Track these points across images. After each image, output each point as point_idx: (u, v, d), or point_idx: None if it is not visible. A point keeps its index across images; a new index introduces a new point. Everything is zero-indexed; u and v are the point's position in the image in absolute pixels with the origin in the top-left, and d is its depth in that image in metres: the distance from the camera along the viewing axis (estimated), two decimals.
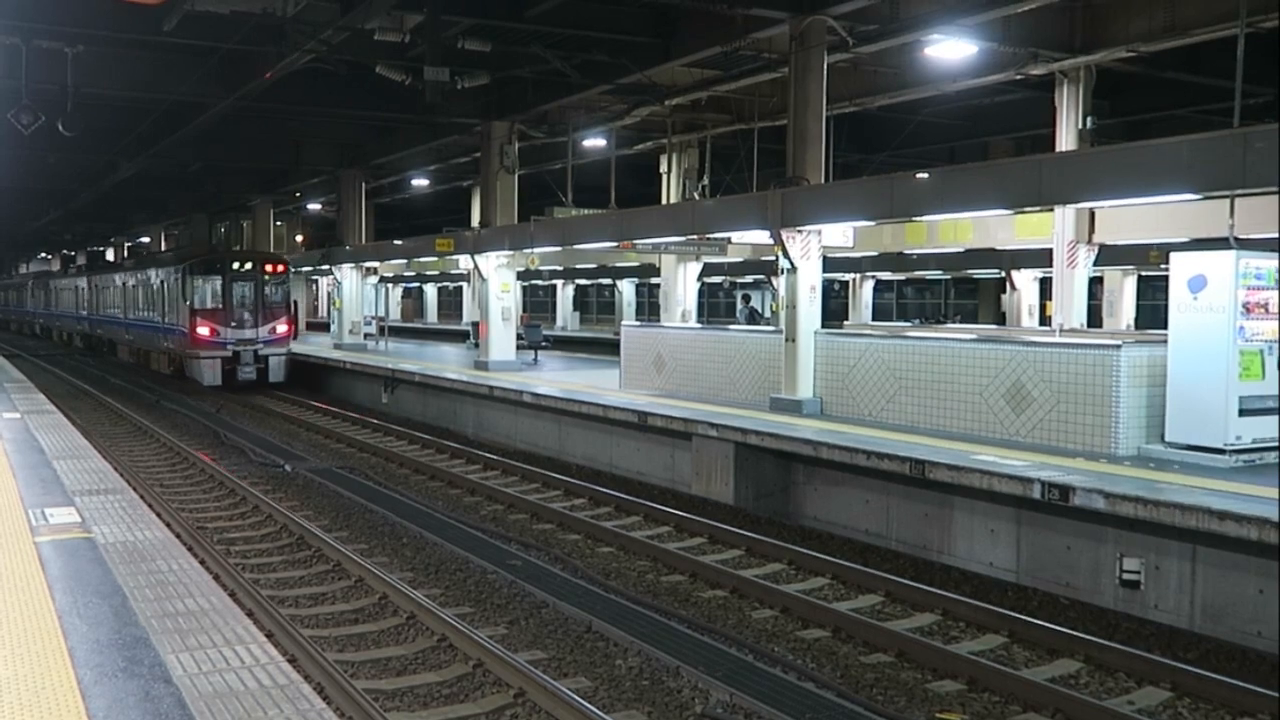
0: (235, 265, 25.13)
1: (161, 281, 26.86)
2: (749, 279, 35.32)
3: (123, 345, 32.18)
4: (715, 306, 45.39)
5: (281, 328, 25.12)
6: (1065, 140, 15.10)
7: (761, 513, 11.78)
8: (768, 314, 28.90)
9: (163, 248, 41.98)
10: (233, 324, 24.48)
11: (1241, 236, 10.19)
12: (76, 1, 14.65)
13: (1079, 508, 8.42)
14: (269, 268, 25.41)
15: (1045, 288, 20.53)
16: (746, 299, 26.59)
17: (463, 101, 18.89)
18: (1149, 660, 7.04)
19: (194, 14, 13.64)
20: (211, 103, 19.17)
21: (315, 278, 42.70)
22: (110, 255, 52.33)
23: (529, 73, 17.57)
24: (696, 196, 20.32)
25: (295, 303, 27.13)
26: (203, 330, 24.25)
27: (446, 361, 22.43)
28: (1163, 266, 13.64)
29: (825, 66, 13.81)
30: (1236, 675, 6.84)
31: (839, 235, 13.52)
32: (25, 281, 52.13)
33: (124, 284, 31.33)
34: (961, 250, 20.72)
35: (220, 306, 24.53)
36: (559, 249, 19.19)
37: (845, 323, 24.53)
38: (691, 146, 21.96)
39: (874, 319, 29.79)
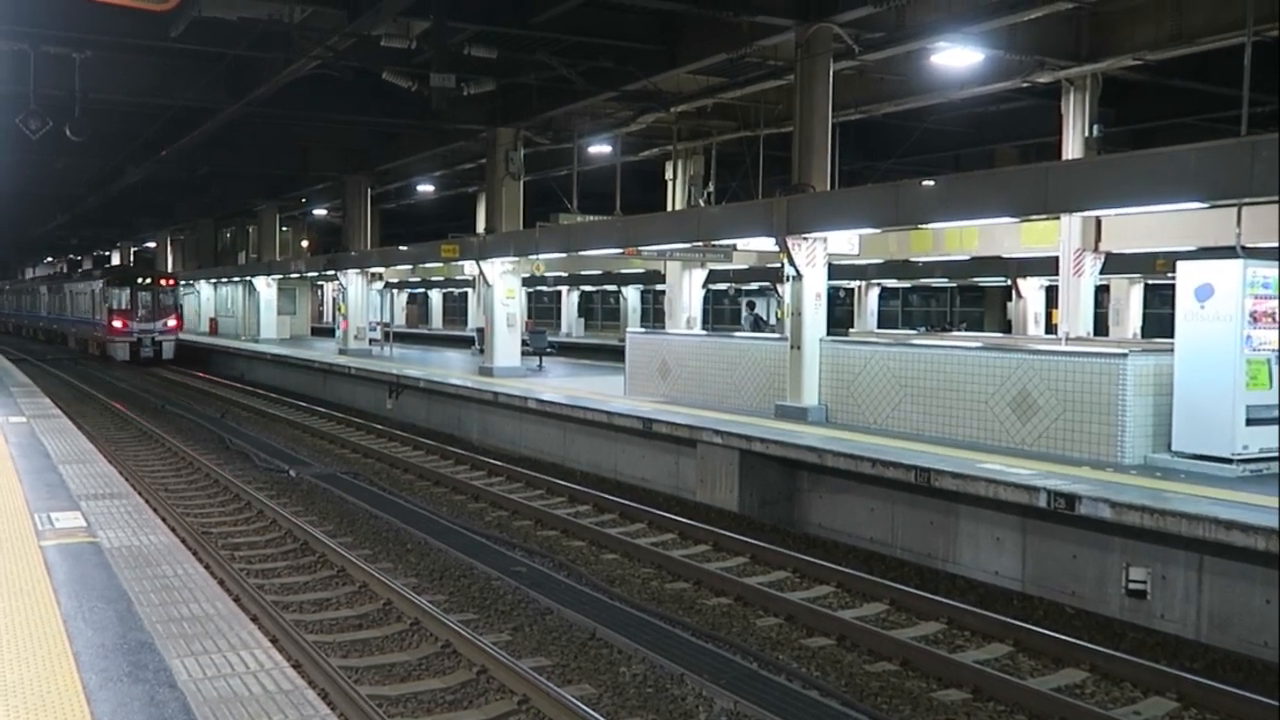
0: (138, 279, 34.87)
1: (91, 290, 36.53)
2: (754, 286, 35.30)
3: (69, 336, 41.55)
4: (720, 313, 45.33)
5: (171, 322, 34.82)
6: (1071, 148, 15.10)
7: (766, 520, 11.75)
8: (773, 321, 28.83)
9: (169, 254, 46.95)
10: (136, 319, 33.95)
11: (1249, 245, 10.16)
12: (84, 7, 14.65)
13: (1085, 517, 8.39)
14: (163, 281, 35.53)
15: (1051, 296, 20.48)
16: (751, 306, 26.53)
17: (468, 108, 18.92)
18: (1155, 670, 7.01)
19: (201, 20, 13.69)
20: (218, 108, 19.24)
21: (320, 283, 42.78)
22: (115, 259, 53.09)
23: (535, 79, 17.60)
24: (702, 203, 20.34)
25: (181, 305, 37.13)
26: (116, 324, 33.85)
27: (451, 367, 22.44)
28: (1169, 275, 13.59)
29: (831, 74, 13.83)
30: (1243, 685, 6.80)
31: (844, 242, 13.49)
32: (2, 288, 64.42)
33: (69, 291, 41.13)
34: (967, 258, 20.68)
35: (128, 307, 34.02)
36: (564, 255, 19.20)
37: (850, 330, 24.51)
38: (697, 153, 21.98)
39: (879, 326, 29.72)
